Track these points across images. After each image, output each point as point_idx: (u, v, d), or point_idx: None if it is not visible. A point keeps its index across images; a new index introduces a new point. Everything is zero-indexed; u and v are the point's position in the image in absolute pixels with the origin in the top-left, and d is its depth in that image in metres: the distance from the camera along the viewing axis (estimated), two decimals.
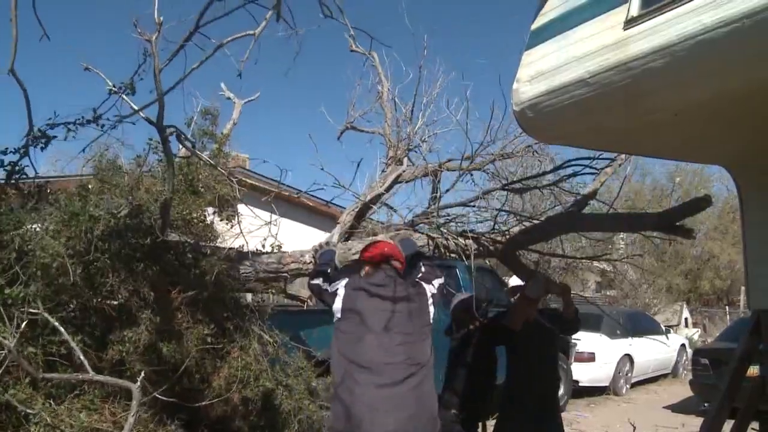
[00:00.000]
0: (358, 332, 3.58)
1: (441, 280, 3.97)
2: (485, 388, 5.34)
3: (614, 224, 6.79)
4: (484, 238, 6.57)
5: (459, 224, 6.80)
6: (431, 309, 3.82)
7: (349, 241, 6.63)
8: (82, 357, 4.06)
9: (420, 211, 7.12)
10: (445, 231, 6.49)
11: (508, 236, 6.51)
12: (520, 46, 3.90)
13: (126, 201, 5.17)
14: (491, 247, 6.49)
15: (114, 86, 4.57)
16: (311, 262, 5.69)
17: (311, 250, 5.92)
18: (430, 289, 3.85)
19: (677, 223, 5.22)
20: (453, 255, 6.45)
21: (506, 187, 7.16)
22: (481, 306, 5.46)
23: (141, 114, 4.51)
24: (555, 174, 7.15)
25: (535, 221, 6.75)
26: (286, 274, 6.13)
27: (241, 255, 6.01)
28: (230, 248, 6.06)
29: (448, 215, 6.93)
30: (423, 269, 3.95)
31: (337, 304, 3.70)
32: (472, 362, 5.30)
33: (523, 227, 6.65)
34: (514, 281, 5.66)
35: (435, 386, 3.71)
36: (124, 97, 4.59)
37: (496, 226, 6.74)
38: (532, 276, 5.40)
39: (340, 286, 3.74)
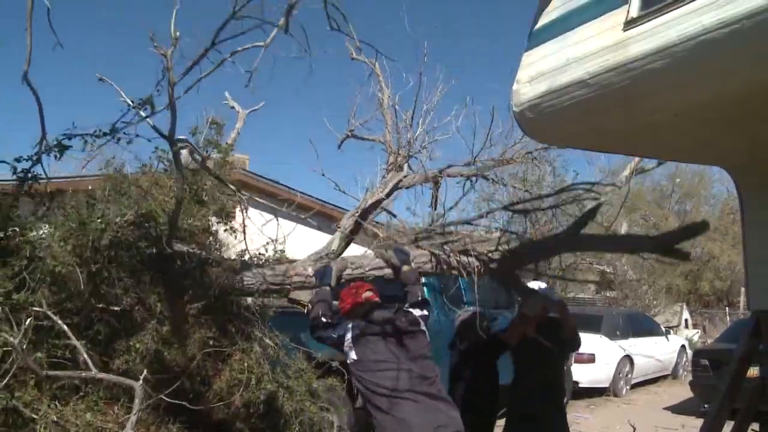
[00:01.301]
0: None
1: (426, 312, 4.33)
2: (486, 404, 5.43)
3: (613, 246, 6.93)
4: (486, 255, 6.59)
5: (462, 243, 6.83)
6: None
7: (348, 256, 6.63)
8: (85, 355, 4.08)
9: (422, 227, 7.14)
10: (447, 248, 6.50)
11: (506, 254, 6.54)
12: (520, 48, 3.91)
13: (133, 210, 5.19)
14: (491, 265, 6.50)
15: (133, 101, 4.61)
16: (314, 275, 5.74)
17: (312, 262, 5.94)
18: (420, 315, 4.25)
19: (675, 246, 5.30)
20: (454, 272, 6.48)
21: (508, 208, 7.18)
22: (483, 323, 5.52)
23: (157, 128, 4.54)
24: (556, 197, 7.17)
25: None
26: (289, 287, 6.13)
27: (245, 265, 6.02)
28: (234, 259, 6.07)
29: (450, 233, 6.95)
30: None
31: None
32: (473, 378, 5.42)
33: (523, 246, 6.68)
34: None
35: None
36: (140, 111, 4.62)
37: (500, 246, 6.79)
38: (530, 294, 5.51)
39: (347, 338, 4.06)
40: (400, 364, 3.91)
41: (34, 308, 4.29)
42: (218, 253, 5.93)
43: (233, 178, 6.91)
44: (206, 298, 5.27)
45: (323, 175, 6.84)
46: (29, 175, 5.13)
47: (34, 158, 5.05)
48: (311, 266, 5.89)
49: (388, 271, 5.69)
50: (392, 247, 5.56)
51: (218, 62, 4.33)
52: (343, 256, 6.52)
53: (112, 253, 4.90)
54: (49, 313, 4.24)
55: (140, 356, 4.84)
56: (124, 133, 4.90)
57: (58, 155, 5.06)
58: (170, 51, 4.26)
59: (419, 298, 4.42)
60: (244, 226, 6.15)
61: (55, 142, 4.97)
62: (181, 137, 4.70)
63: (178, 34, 4.24)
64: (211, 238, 6.04)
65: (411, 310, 4.19)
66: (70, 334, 4.21)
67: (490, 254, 6.45)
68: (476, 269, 6.26)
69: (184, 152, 5.32)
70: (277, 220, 6.54)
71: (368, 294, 4.32)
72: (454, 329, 5.81)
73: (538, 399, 5.12)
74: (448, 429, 3.83)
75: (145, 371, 4.24)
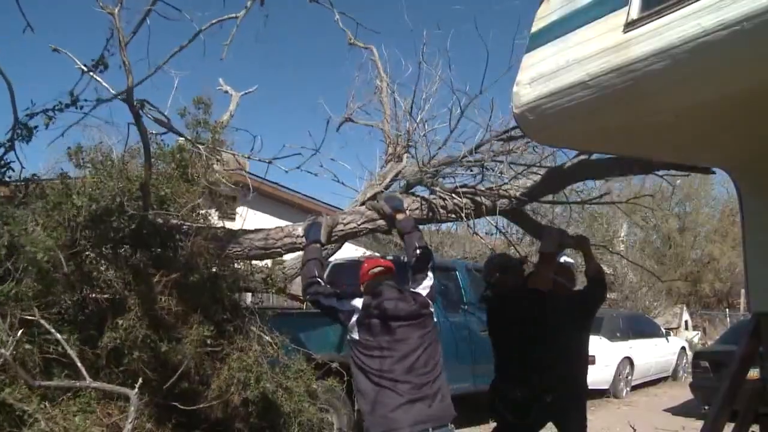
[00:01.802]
0: None
1: (429, 280, 4.11)
2: (533, 359, 4.83)
3: (625, 168, 6.60)
4: (480, 193, 6.41)
5: (451, 181, 6.65)
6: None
7: (340, 211, 6.56)
8: (78, 363, 4.06)
9: (413, 171, 6.99)
10: (438, 189, 6.36)
11: (508, 190, 6.34)
12: (521, 47, 3.91)
13: (111, 185, 5.13)
14: (493, 204, 6.31)
15: (85, 65, 4.52)
16: (304, 235, 5.56)
17: (301, 224, 5.77)
18: (426, 293, 4.05)
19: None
20: (451, 215, 6.33)
21: (499, 138, 6.92)
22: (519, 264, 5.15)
23: (111, 90, 4.47)
24: None
25: (535, 168, 6.61)
26: (279, 249, 6.01)
27: (229, 233, 5.93)
28: (218, 227, 5.98)
29: (438, 171, 6.77)
30: (415, 276, 4.11)
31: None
32: (513, 332, 4.84)
33: (527, 179, 6.51)
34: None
35: None
36: (95, 75, 4.54)
37: (485, 179, 6.55)
38: (544, 231, 5.19)
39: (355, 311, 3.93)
40: (394, 354, 3.77)
41: (23, 309, 4.26)
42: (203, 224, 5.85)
43: (232, 179, 6.87)
44: (188, 268, 5.20)
45: (321, 166, 6.76)
46: (2, 163, 5.06)
47: (7, 145, 4.98)
48: (300, 227, 5.73)
49: (381, 222, 5.51)
50: (383, 196, 5.34)
51: (189, 39, 4.30)
52: (332, 214, 6.44)
53: (89, 233, 4.84)
54: (43, 321, 4.22)
55: (126, 333, 4.79)
56: (86, 100, 4.81)
57: (27, 138, 4.97)
58: (117, 9, 4.19)
59: (417, 250, 4.17)
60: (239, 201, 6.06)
61: (20, 126, 4.87)
62: (140, 99, 4.63)
63: None
64: (199, 217, 5.95)
65: (416, 290, 4.01)
66: (59, 337, 4.20)
67: (495, 191, 6.24)
68: (472, 210, 6.12)
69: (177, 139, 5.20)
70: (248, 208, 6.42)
71: (377, 269, 4.09)
72: (484, 276, 5.26)
73: (558, 377, 4.81)
74: (428, 425, 3.69)
75: (141, 379, 4.21)
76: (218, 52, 4.66)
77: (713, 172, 5.44)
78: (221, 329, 5.41)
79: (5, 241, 4.52)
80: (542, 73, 3.58)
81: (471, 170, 6.89)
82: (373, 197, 6.92)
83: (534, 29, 3.82)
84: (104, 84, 4.56)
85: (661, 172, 7.10)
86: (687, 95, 3.10)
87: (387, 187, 7.05)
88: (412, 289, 4.01)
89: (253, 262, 6.38)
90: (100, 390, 4.47)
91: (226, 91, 7.78)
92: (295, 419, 5.57)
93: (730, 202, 28.49)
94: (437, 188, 6.45)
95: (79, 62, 4.49)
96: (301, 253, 7.30)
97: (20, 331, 4.05)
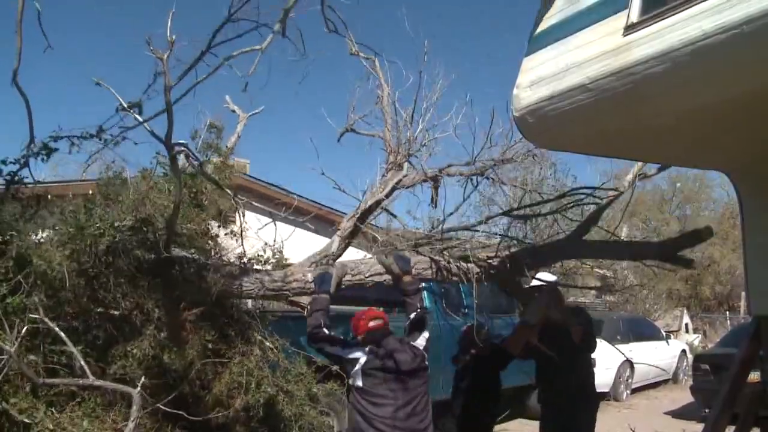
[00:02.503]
0: None
1: (426, 334, 4.51)
2: (485, 410, 5.48)
3: (617, 252, 6.97)
4: (487, 262, 6.57)
5: (462, 249, 6.81)
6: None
7: (348, 261, 6.61)
8: (82, 362, 4.07)
9: (423, 233, 7.15)
10: (447, 255, 6.49)
11: (507, 260, 6.51)
12: (521, 49, 3.92)
13: (131, 215, 5.17)
14: (491, 271, 6.48)
15: (122, 103, 4.61)
16: (313, 281, 5.71)
17: (311, 268, 5.92)
18: (423, 346, 4.43)
19: (678, 254, 5.29)
20: (455, 278, 6.48)
21: (509, 214, 7.19)
22: (482, 332, 5.56)
23: (149, 129, 4.54)
24: (557, 202, 7.17)
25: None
26: (288, 293, 6.11)
27: (243, 271, 5.99)
28: (233, 264, 6.05)
29: (451, 239, 6.94)
30: (413, 331, 4.49)
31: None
32: (473, 387, 5.45)
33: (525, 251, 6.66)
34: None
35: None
36: (133, 113, 4.62)
37: (500, 253, 6.76)
38: (530, 301, 5.45)
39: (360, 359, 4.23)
40: (398, 402, 4.13)
41: (30, 315, 4.27)
42: (217, 257, 5.92)
43: (234, 183, 6.89)
44: (204, 304, 5.27)
45: (323, 173, 6.81)
46: (16, 178, 5.12)
47: (22, 161, 5.05)
48: (310, 272, 5.88)
49: (387, 277, 5.68)
50: (393, 253, 5.54)
51: (215, 67, 4.34)
52: (343, 261, 6.49)
53: (109, 259, 4.89)
54: (45, 319, 4.22)
55: (137, 362, 4.82)
56: (110, 135, 4.90)
57: (45, 158, 5.08)
58: (166, 55, 4.25)
59: (418, 309, 4.57)
60: (242, 230, 6.15)
61: (41, 145, 4.98)
62: (179, 141, 4.72)
63: (174, 37, 4.25)
64: (210, 242, 6.02)
65: (415, 343, 4.37)
66: (66, 339, 4.20)
67: (490, 260, 6.44)
68: (476, 275, 6.25)
69: (182, 156, 5.31)
70: (275, 224, 6.53)
71: (375, 323, 4.40)
72: (458, 342, 5.89)
73: (565, 387, 5.18)
74: None
75: (143, 378, 4.23)
76: (237, 72, 4.70)
77: (694, 268, 5.82)
78: (223, 333, 5.41)
79: (13, 254, 4.56)
80: (542, 76, 3.59)
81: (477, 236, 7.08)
82: (376, 205, 6.94)
83: (534, 32, 3.82)
84: (139, 119, 4.63)
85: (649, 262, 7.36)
86: (687, 98, 3.10)
87: (388, 195, 7.07)
88: (411, 342, 4.38)
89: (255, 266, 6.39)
90: (103, 393, 4.47)
91: (233, 111, 7.81)
92: (295, 423, 5.56)
93: (731, 204, 28.50)
94: (448, 254, 6.57)
95: (121, 99, 4.57)
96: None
97: (24, 328, 4.05)
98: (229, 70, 4.42)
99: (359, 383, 4.16)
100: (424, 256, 6.46)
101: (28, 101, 4.53)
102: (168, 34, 4.25)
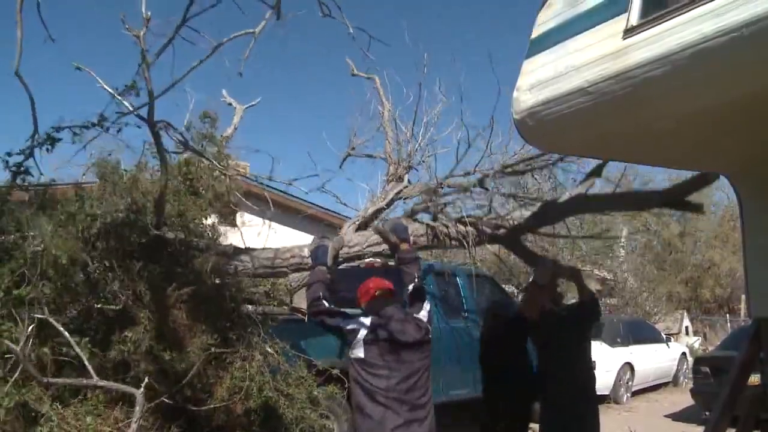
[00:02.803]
0: None
1: (428, 306, 4.27)
2: (520, 390, 5.32)
3: (621, 204, 6.78)
4: (482, 222, 6.51)
5: (456, 210, 6.75)
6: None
7: (347, 233, 6.59)
8: (86, 362, 4.09)
9: (419, 201, 7.09)
10: (443, 217, 6.44)
11: (508, 220, 6.45)
12: (521, 53, 3.93)
13: (122, 199, 5.19)
14: (492, 233, 6.41)
15: (116, 90, 4.62)
16: (310, 256, 5.63)
17: (308, 244, 5.84)
18: (426, 319, 4.20)
19: (685, 199, 5.14)
20: (454, 242, 6.42)
21: (503, 171, 7.04)
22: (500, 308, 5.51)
23: (130, 108, 4.54)
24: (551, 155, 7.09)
25: (537, 202, 6.69)
26: (285, 269, 6.07)
27: (237, 250, 5.99)
28: (227, 244, 6.04)
29: (445, 203, 6.88)
30: (413, 303, 4.27)
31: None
32: (502, 365, 5.32)
33: (525, 210, 6.61)
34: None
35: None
36: (119, 97, 4.63)
37: (493, 210, 6.68)
38: (538, 261, 5.36)
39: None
40: (399, 374, 3.94)
41: (36, 314, 4.29)
42: (212, 240, 5.91)
43: (236, 185, 6.90)
44: (197, 284, 5.25)
45: (323, 189, 6.83)
46: (21, 169, 5.15)
47: (27, 152, 5.08)
48: (307, 247, 5.83)
49: (385, 247, 5.58)
50: (389, 221, 5.41)
51: (207, 54, 4.36)
52: (340, 235, 6.49)
53: (102, 244, 4.90)
54: (51, 319, 4.25)
55: (134, 345, 4.83)
56: (113, 122, 4.93)
57: (50, 148, 5.10)
58: (142, 32, 4.24)
59: (416, 280, 4.32)
60: (239, 217, 6.14)
61: (45, 136, 5.01)
62: (161, 120, 4.71)
63: (149, 14, 4.23)
64: (205, 226, 6.01)
65: (419, 315, 4.15)
66: (70, 339, 4.22)
67: (496, 221, 6.36)
68: (474, 239, 6.21)
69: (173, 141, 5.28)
70: (268, 224, 6.51)
71: (381, 291, 4.23)
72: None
73: (565, 387, 5.13)
74: None
75: (146, 378, 4.24)
76: (225, 63, 4.72)
77: (703, 212, 5.66)
78: (224, 337, 5.41)
79: (28, 246, 4.59)
80: (542, 79, 3.59)
81: (474, 200, 7.01)
82: (376, 213, 6.95)
83: (533, 35, 3.83)
84: (131, 108, 4.64)
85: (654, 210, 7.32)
86: (687, 101, 3.11)
87: (389, 205, 7.09)
88: (414, 315, 4.15)
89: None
90: (107, 391, 4.50)
91: (230, 104, 7.82)
92: (296, 426, 5.56)
93: (731, 207, 28.49)
94: (442, 217, 6.52)
95: (102, 82, 4.59)
96: (306, 272, 7.29)
97: (30, 327, 4.08)
98: (226, 55, 4.43)
99: (360, 354, 3.96)
100: (421, 223, 6.44)
101: (30, 93, 4.56)
102: (143, 10, 4.23)
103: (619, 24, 3.21)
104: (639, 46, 3.04)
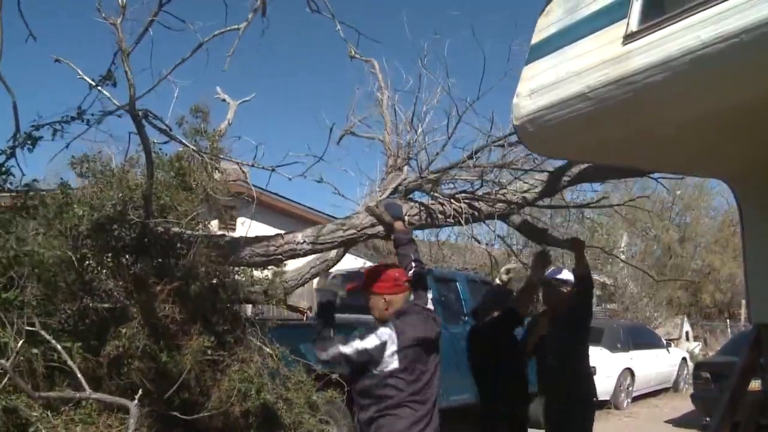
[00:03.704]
0: None
1: (430, 294, 3.91)
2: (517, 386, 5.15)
3: (621, 172, 6.71)
4: (478, 198, 6.48)
5: (449, 186, 6.71)
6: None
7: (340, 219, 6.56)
8: (79, 375, 4.07)
9: (413, 178, 7.04)
10: (437, 195, 6.41)
11: (503, 195, 6.41)
12: (517, 53, 3.94)
13: (112, 195, 5.17)
14: (490, 209, 6.38)
15: (93, 79, 4.58)
16: (304, 242, 5.61)
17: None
18: (433, 308, 3.83)
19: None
20: (449, 221, 6.40)
21: (495, 143, 6.97)
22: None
23: (108, 96, 4.51)
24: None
25: (533, 172, 6.67)
26: (279, 256, 6.05)
27: (230, 241, 5.97)
28: (219, 235, 6.03)
29: (438, 178, 6.81)
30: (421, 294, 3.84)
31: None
32: (495, 355, 5.10)
33: (520, 181, 6.59)
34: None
35: None
36: (102, 90, 4.60)
37: (485, 184, 6.64)
38: (539, 237, 5.31)
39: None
40: (432, 375, 3.59)
41: (26, 322, 4.26)
42: (205, 234, 5.88)
43: (232, 190, 6.89)
44: (190, 277, 5.22)
45: (321, 180, 6.67)
46: (3, 169, 5.10)
47: (8, 152, 5.03)
48: (300, 234, 5.81)
49: (380, 228, 5.52)
50: (383, 202, 5.27)
51: (191, 51, 4.36)
52: (340, 220, 6.44)
53: (92, 241, 4.88)
54: (43, 332, 4.23)
55: (129, 341, 4.81)
56: (93, 115, 4.87)
57: (31, 148, 5.03)
58: (119, 20, 4.22)
59: (413, 262, 3.85)
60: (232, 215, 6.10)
61: (25, 135, 4.93)
62: (142, 109, 4.68)
63: (125, 1, 4.21)
64: (200, 225, 5.98)
65: (429, 306, 3.76)
66: (63, 352, 4.20)
67: (497, 195, 6.30)
68: (466, 216, 6.18)
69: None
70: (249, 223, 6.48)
71: (407, 284, 3.74)
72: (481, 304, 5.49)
73: (562, 382, 5.11)
74: None
75: (141, 390, 4.22)
76: (218, 60, 4.73)
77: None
78: (222, 340, 5.41)
79: (12, 246, 4.54)
80: (542, 84, 3.60)
81: (469, 175, 6.96)
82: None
83: (534, 41, 3.83)
84: (110, 98, 4.61)
85: (656, 175, 7.27)
86: (687, 107, 3.11)
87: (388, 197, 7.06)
88: (424, 306, 3.77)
89: (254, 274, 6.38)
90: (100, 402, 4.47)
91: (224, 100, 7.81)
92: (295, 431, 5.56)
93: (731, 212, 28.47)
94: (436, 194, 6.49)
95: (81, 73, 4.55)
96: (301, 263, 7.26)
97: (21, 342, 4.06)
98: (212, 45, 4.42)
99: (395, 365, 3.44)
100: (415, 202, 6.41)
101: (12, 93, 4.52)
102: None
103: (619, 30, 3.21)
104: (639, 51, 3.04)
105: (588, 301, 5.30)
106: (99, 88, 4.66)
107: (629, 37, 3.13)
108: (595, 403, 5.21)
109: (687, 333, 23.66)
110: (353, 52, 7.17)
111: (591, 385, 5.40)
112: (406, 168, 7.38)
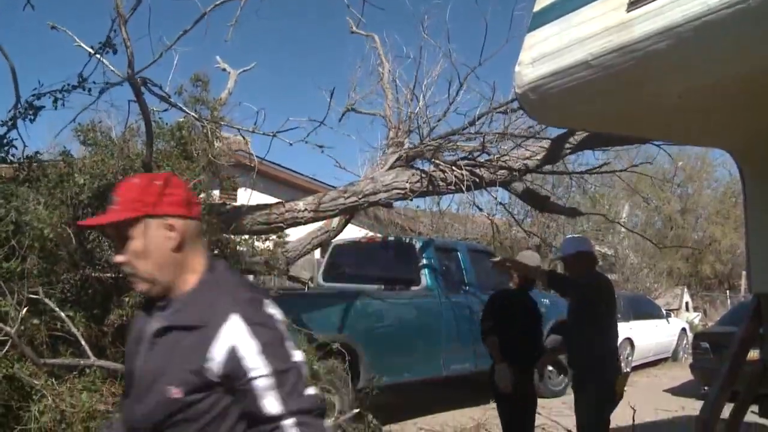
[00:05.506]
0: None
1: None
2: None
3: (623, 138, 6.70)
4: (478, 164, 6.48)
5: (451, 152, 6.71)
6: None
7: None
8: (83, 342, 4.08)
9: (413, 145, 7.03)
10: (439, 162, 6.41)
11: (504, 162, 6.42)
12: (519, 19, 3.89)
13: (113, 164, 5.16)
14: (492, 176, 6.38)
15: (92, 47, 4.55)
16: (306, 209, 5.60)
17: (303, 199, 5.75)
18: None
19: None
20: (451, 188, 6.41)
21: (497, 110, 6.96)
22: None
23: (106, 63, 4.48)
24: None
25: (534, 139, 6.67)
26: (281, 224, 6.06)
27: (232, 209, 5.98)
28: (221, 204, 6.04)
29: (440, 144, 6.80)
30: None
31: None
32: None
33: (522, 149, 6.58)
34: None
35: None
36: (102, 59, 4.56)
37: (486, 150, 6.65)
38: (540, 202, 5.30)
39: None
40: None
41: (29, 287, 4.27)
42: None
43: (235, 159, 6.87)
44: None
45: (322, 151, 6.65)
46: (5, 140, 5.07)
47: (10, 123, 5.00)
48: (302, 202, 5.84)
49: (381, 196, 5.57)
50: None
51: (193, 22, 4.33)
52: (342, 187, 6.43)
53: (93, 210, 4.88)
54: (47, 300, 4.23)
55: (131, 309, 4.83)
56: (93, 83, 4.85)
57: (33, 118, 5.01)
58: None
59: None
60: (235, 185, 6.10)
61: (26, 105, 4.90)
62: (139, 72, 4.66)
63: None
64: (202, 194, 5.99)
65: None
66: (68, 320, 4.21)
67: (498, 161, 6.31)
68: (467, 182, 6.18)
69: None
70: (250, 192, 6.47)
71: None
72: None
73: (576, 374, 5.29)
74: None
75: None
76: (218, 29, 4.69)
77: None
78: None
79: (13, 218, 4.54)
80: (544, 52, 3.55)
81: (470, 142, 6.95)
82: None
83: (536, 8, 3.78)
84: (110, 66, 4.57)
85: (658, 142, 7.26)
86: (691, 75, 3.07)
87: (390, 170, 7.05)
88: None
89: (256, 244, 6.39)
90: (104, 368, 4.50)
91: (224, 69, 7.76)
92: None
93: (733, 183, 28.48)
94: (437, 161, 6.47)
95: (78, 40, 4.50)
96: (303, 233, 7.25)
97: (25, 309, 4.07)
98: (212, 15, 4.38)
99: None
100: (416, 169, 6.41)
101: (12, 64, 4.49)
102: None
103: None
104: (643, 18, 2.99)
105: (582, 290, 5.19)
106: (98, 56, 4.61)
107: (633, 4, 3.08)
108: (607, 379, 5.08)
109: (687, 303, 23.78)
110: (354, 28, 7.11)
111: (606, 362, 5.22)
112: (406, 141, 7.36)
